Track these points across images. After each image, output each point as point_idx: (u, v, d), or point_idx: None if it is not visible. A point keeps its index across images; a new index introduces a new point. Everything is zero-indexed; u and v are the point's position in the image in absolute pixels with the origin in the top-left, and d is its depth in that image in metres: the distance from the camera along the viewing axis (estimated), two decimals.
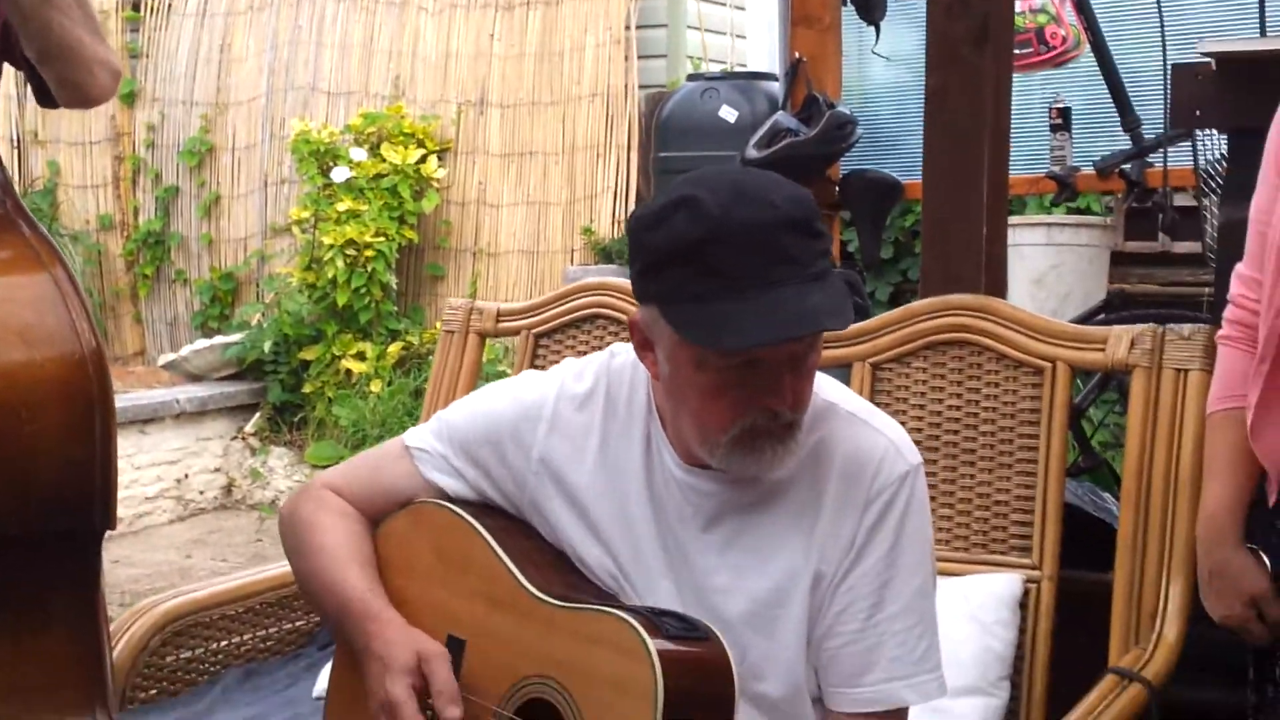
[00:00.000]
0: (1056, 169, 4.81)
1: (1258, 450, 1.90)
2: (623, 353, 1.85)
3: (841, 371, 2.50)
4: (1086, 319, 3.69)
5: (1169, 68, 3.24)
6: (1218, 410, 2.00)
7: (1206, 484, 2.02)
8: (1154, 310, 3.64)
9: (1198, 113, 2.77)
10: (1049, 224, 4.83)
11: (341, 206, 7.07)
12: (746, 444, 1.64)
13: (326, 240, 7.00)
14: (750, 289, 1.55)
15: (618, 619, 1.63)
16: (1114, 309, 3.90)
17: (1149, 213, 4.81)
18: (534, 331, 3.00)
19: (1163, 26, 4.46)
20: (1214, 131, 3.69)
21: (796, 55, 4.98)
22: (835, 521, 1.72)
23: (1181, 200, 4.96)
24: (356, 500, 1.92)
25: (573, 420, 1.81)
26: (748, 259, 1.55)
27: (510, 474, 1.84)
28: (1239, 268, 2.01)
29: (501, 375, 5.77)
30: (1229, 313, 2.01)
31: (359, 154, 7.26)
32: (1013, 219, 4.71)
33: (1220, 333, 2.03)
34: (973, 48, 2.76)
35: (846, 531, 1.72)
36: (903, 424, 1.96)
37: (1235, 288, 2.01)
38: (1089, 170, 4.73)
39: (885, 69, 7.08)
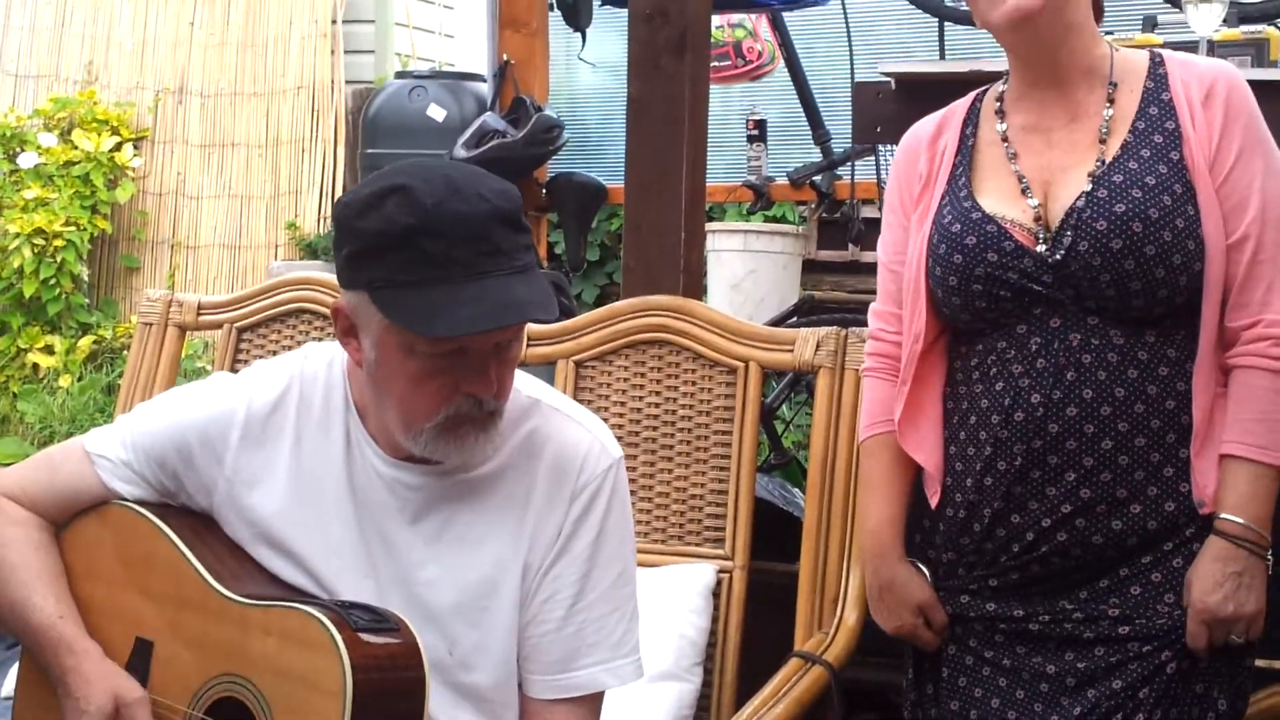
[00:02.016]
0: (753, 178, 5.02)
1: (912, 453, 2.02)
2: (316, 354, 1.84)
3: (546, 369, 2.57)
4: (779, 322, 3.85)
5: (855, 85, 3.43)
6: (869, 436, 2.12)
7: (866, 504, 2.13)
8: (841, 314, 3.84)
9: (878, 129, 2.94)
10: (746, 231, 5.01)
11: (29, 194, 6.76)
12: (451, 431, 1.67)
13: (12, 228, 6.68)
14: (461, 278, 1.59)
15: (304, 614, 1.64)
16: (804, 313, 4.08)
17: (839, 223, 5.05)
18: (237, 325, 2.95)
19: (851, 46, 4.71)
20: (894, 147, 3.92)
21: (504, 57, 5.04)
22: (543, 513, 1.77)
23: (869, 212, 5.23)
24: (36, 506, 1.84)
25: (265, 426, 1.79)
26: (459, 249, 1.59)
27: (199, 481, 1.81)
28: (874, 306, 2.15)
29: (202, 371, 5.64)
30: (870, 347, 2.14)
31: (48, 139, 6.95)
32: (712, 225, 4.88)
33: (864, 366, 2.16)
34: (672, 57, 2.87)
35: (554, 522, 1.77)
36: (605, 420, 2.04)
37: (874, 323, 2.14)
38: (783, 180, 4.95)
39: (592, 75, 7.22)
